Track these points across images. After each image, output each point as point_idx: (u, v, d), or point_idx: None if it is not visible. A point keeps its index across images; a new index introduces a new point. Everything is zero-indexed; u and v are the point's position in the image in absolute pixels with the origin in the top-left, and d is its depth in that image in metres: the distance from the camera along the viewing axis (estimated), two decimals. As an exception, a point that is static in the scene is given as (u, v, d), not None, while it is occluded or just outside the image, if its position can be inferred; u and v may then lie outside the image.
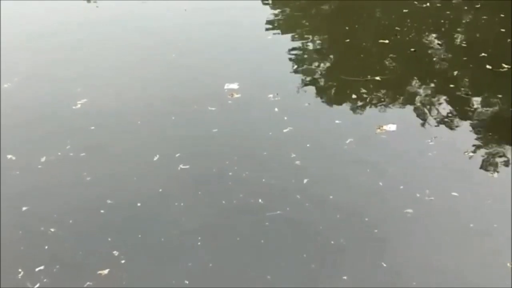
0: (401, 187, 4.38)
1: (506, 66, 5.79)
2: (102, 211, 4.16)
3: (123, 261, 3.73)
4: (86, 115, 5.31)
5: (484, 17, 6.96)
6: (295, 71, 6.03)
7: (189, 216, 4.10)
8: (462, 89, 5.65)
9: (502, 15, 6.87)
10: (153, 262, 3.75)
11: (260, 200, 4.22)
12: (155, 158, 4.69)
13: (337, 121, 5.19)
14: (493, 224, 4.05)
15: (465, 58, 6.11)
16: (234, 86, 5.64)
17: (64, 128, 5.14)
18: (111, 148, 4.88)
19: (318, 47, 6.56)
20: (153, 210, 4.17)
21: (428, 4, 7.29)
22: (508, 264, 3.71)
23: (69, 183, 4.49)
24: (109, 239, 3.92)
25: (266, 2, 7.73)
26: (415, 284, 3.59)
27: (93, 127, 5.12)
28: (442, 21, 6.86)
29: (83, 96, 5.57)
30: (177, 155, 4.71)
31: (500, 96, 5.46)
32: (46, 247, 3.86)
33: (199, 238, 3.91)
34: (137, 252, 3.82)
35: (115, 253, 3.80)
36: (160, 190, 4.33)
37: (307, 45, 6.54)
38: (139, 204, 4.20)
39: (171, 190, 4.35)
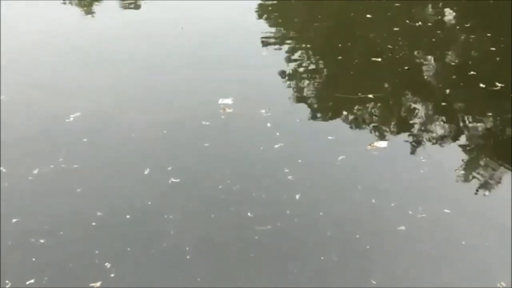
0: (393, 204, 4.38)
1: (499, 84, 5.85)
2: (93, 223, 4.13)
3: (113, 274, 3.69)
4: (79, 128, 5.29)
5: (473, 36, 7.06)
6: (288, 87, 6.05)
7: (178, 229, 4.08)
8: (456, 107, 5.69)
9: (489, 35, 6.97)
10: (144, 275, 3.71)
11: (250, 214, 4.20)
12: (146, 172, 4.66)
13: (329, 137, 5.20)
14: (485, 243, 4.05)
15: (456, 77, 6.16)
16: (228, 101, 5.65)
17: (57, 140, 5.12)
18: (103, 160, 4.86)
19: (311, 64, 6.60)
20: (143, 222, 4.14)
21: (420, 23, 7.38)
22: (499, 285, 3.71)
23: (61, 195, 4.46)
24: (101, 251, 3.88)
25: (262, 19, 7.78)
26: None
27: (85, 139, 5.09)
28: (434, 40, 6.93)
29: (77, 109, 5.55)
30: (168, 168, 4.69)
31: (493, 114, 5.50)
32: (34, 259, 3.81)
33: (188, 250, 3.88)
34: (128, 264, 3.79)
35: (107, 265, 3.76)
36: (149, 203, 4.30)
37: (300, 62, 6.58)
38: (128, 217, 4.17)
39: (161, 203, 4.32)
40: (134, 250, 3.91)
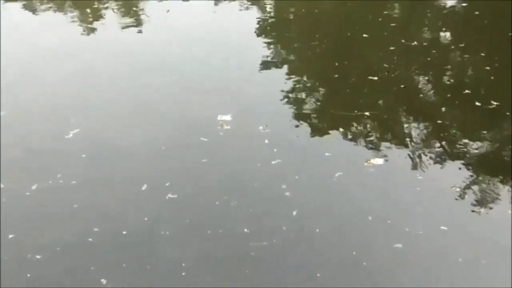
0: (389, 221, 4.40)
1: (494, 102, 5.90)
2: (90, 239, 4.12)
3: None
4: (78, 145, 5.31)
5: (467, 55, 7.15)
6: (286, 105, 6.09)
7: (175, 245, 4.08)
8: (451, 125, 5.74)
9: (482, 54, 7.07)
10: None
11: (246, 230, 4.21)
12: (144, 187, 4.67)
13: (326, 154, 5.23)
14: (482, 260, 4.06)
15: (451, 95, 6.21)
16: (227, 117, 5.69)
17: (56, 157, 5.13)
18: (101, 176, 4.88)
19: (308, 82, 6.65)
20: (139, 238, 4.14)
21: (415, 42, 7.47)
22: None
23: (58, 210, 4.47)
24: (97, 267, 3.87)
25: (261, 38, 7.86)
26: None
27: (84, 155, 5.11)
28: (429, 59, 7.01)
29: (76, 126, 5.58)
30: (166, 184, 4.70)
31: (488, 132, 5.54)
32: (29, 275, 3.80)
33: (184, 266, 3.87)
34: (124, 280, 3.78)
35: (103, 281, 3.75)
36: (146, 218, 4.31)
37: (298, 80, 6.63)
38: (124, 232, 4.17)
39: (158, 218, 4.34)
40: (130, 266, 3.91)
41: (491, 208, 4.59)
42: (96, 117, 5.82)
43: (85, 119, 5.73)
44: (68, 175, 4.85)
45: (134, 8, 9.28)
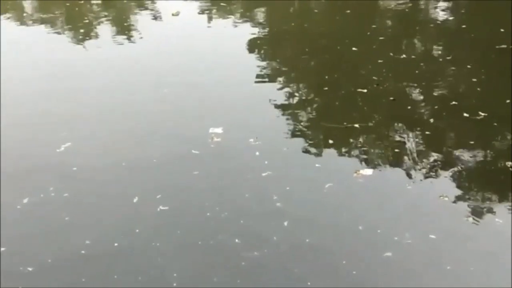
0: (379, 231, 4.44)
1: (482, 113, 6.00)
2: (82, 251, 4.14)
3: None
4: (69, 158, 5.33)
5: (453, 68, 7.27)
6: (277, 117, 6.16)
7: (166, 256, 4.10)
8: (440, 135, 5.82)
9: (469, 67, 7.21)
10: None
11: (237, 241, 4.24)
12: (135, 200, 4.70)
13: (316, 165, 5.29)
14: (470, 267, 4.11)
15: (439, 107, 6.31)
16: (219, 130, 5.75)
17: (48, 170, 5.16)
18: (93, 189, 4.90)
19: (299, 95, 6.74)
20: (130, 250, 4.16)
21: (404, 55, 7.59)
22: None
23: (49, 223, 4.50)
24: (89, 279, 3.88)
25: (252, 52, 7.97)
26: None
27: (75, 168, 5.13)
28: (417, 71, 7.12)
29: (68, 140, 5.61)
30: (157, 196, 4.73)
31: (477, 142, 5.62)
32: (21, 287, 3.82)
33: (176, 276, 3.89)
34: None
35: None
36: (137, 230, 4.33)
37: (288, 93, 6.72)
38: (116, 244, 4.19)
39: (149, 230, 4.36)
40: (121, 278, 3.92)
41: (479, 217, 4.65)
42: (87, 130, 5.85)
43: (76, 133, 5.77)
44: (60, 188, 4.86)
45: (126, 24, 9.39)
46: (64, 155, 5.40)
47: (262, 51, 8.06)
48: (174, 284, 3.86)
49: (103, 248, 4.19)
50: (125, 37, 8.71)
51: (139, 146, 5.54)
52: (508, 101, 6.33)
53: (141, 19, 9.52)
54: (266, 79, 7.10)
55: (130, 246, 4.21)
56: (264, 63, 7.63)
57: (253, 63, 7.54)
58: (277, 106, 6.37)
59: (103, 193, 4.84)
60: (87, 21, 9.45)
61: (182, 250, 4.18)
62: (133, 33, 8.88)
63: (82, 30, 8.95)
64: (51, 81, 7.03)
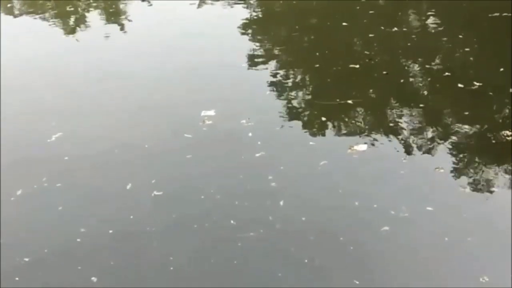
0: (375, 205, 4.41)
1: (477, 83, 5.94)
2: (78, 239, 4.11)
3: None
4: (61, 148, 5.28)
5: (445, 38, 7.20)
6: (269, 97, 6.10)
7: (162, 241, 4.08)
8: (435, 108, 5.77)
9: (460, 36, 7.14)
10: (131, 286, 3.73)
11: (233, 222, 4.22)
12: (128, 186, 4.66)
13: (310, 143, 5.25)
14: (468, 238, 4.10)
15: (432, 79, 6.25)
16: (211, 113, 5.69)
17: (40, 161, 5.10)
18: (86, 177, 4.85)
19: (290, 73, 6.67)
20: (126, 236, 4.14)
21: (395, 29, 7.51)
22: (481, 279, 3.74)
23: (44, 214, 4.46)
24: (85, 266, 3.87)
25: (241, 31, 7.87)
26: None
27: (66, 158, 5.08)
28: (409, 44, 7.04)
29: (59, 130, 5.54)
30: (152, 181, 4.69)
31: (472, 112, 5.57)
32: (18, 278, 3.79)
33: (172, 260, 3.88)
34: (113, 277, 3.79)
35: (94, 279, 3.76)
36: (132, 216, 4.30)
37: (279, 72, 6.65)
38: (111, 231, 4.16)
39: (144, 216, 4.33)
40: (118, 263, 3.91)
41: (476, 187, 4.62)
42: (77, 119, 5.79)
43: (67, 122, 5.70)
44: (53, 178, 4.82)
45: (114, 9, 9.26)
46: (55, 145, 5.34)
47: (252, 31, 7.98)
48: (171, 268, 3.84)
49: (98, 235, 4.16)
50: (115, 22, 8.60)
51: (130, 133, 5.48)
52: (502, 69, 6.27)
53: (130, 3, 9.39)
54: (257, 59, 7.02)
55: (126, 232, 4.18)
56: (254, 44, 7.55)
57: (244, 44, 7.46)
58: (268, 86, 6.31)
59: (96, 182, 4.80)
60: (72, 8, 9.32)
61: (178, 234, 4.16)
62: (123, 17, 8.77)
63: (71, 18, 8.83)
64: (40, 71, 6.94)
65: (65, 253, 4.03)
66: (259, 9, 8.95)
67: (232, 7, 9.01)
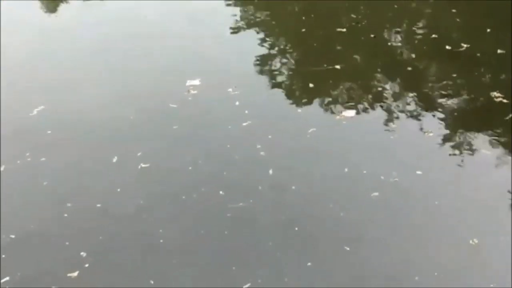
0: (365, 171, 4.39)
1: (464, 45, 5.87)
2: (65, 214, 4.05)
3: (88, 264, 3.66)
4: (43, 121, 5.13)
5: (431, 0, 7.10)
6: (255, 65, 5.98)
7: (150, 213, 4.03)
8: (423, 71, 5.71)
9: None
10: (120, 261, 3.70)
11: (222, 193, 4.17)
12: (114, 159, 4.58)
13: (298, 111, 5.18)
14: (457, 202, 4.09)
15: (420, 41, 6.17)
16: (196, 82, 5.57)
17: (22, 135, 4.94)
18: (70, 152, 4.73)
19: (275, 39, 6.54)
20: (113, 210, 4.08)
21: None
22: (471, 241, 3.75)
23: (30, 189, 4.36)
24: (74, 241, 3.82)
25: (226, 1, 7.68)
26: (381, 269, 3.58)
27: (49, 132, 4.96)
28: (396, 6, 6.93)
29: (40, 103, 5.39)
30: (138, 154, 4.61)
31: (460, 75, 5.52)
32: (4, 256, 3.73)
33: (162, 232, 3.84)
34: (102, 252, 3.75)
35: (83, 254, 3.72)
36: (119, 190, 4.24)
37: (264, 39, 6.51)
38: (99, 205, 4.10)
39: (131, 189, 4.26)
40: (106, 238, 3.85)
41: (466, 150, 4.61)
42: (60, 92, 5.62)
43: (48, 96, 5.54)
44: (37, 153, 4.70)
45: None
46: (37, 119, 5.20)
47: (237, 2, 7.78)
48: (161, 241, 3.80)
49: (85, 210, 4.09)
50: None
51: (114, 105, 5.33)
52: (488, 30, 6.20)
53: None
54: (240, 27, 6.86)
55: (113, 206, 4.11)
56: (237, 11, 7.34)
57: (225, 11, 7.27)
58: (254, 54, 6.17)
59: (81, 156, 4.68)
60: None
61: (166, 206, 4.10)
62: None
63: None
64: (19, 44, 6.71)
65: (53, 229, 3.96)
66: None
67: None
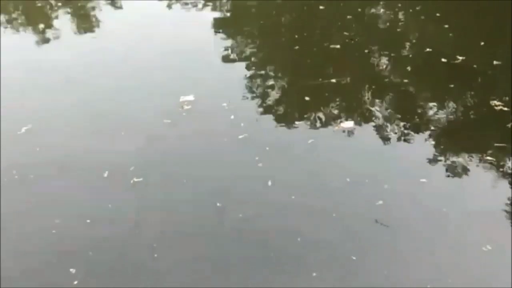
0: (367, 180, 4.24)
1: (460, 57, 5.83)
2: (53, 231, 3.82)
3: (76, 281, 3.44)
4: (31, 139, 4.92)
5: (423, 17, 7.14)
6: (250, 80, 5.85)
7: (143, 227, 3.83)
8: (418, 82, 5.64)
9: (438, 15, 7.06)
10: (112, 274, 3.52)
11: (218, 204, 3.98)
12: (106, 174, 4.37)
13: (296, 123, 5.04)
14: (464, 209, 3.94)
15: (414, 55, 6.14)
16: (190, 98, 5.43)
17: (10, 152, 4.73)
18: (60, 167, 4.51)
19: (269, 56, 6.47)
20: (105, 225, 3.87)
21: (373, 10, 7.39)
22: (484, 248, 3.59)
23: (17, 206, 4.12)
24: (63, 258, 3.62)
25: (218, 17, 7.61)
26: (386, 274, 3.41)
27: (38, 149, 4.76)
28: (388, 24, 6.94)
29: (28, 122, 5.19)
30: (130, 168, 4.41)
31: (458, 85, 5.46)
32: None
33: (156, 247, 3.65)
34: (94, 274, 3.53)
35: (72, 270, 3.50)
36: (110, 205, 4.03)
37: (258, 56, 6.44)
38: (88, 221, 3.88)
39: (123, 204, 4.05)
40: (98, 253, 3.64)
41: (470, 157, 4.49)
42: (51, 110, 5.42)
43: (39, 113, 5.33)
44: (24, 170, 4.48)
45: (88, 14, 8.83)
46: (25, 136, 4.98)
47: (227, 17, 7.74)
48: (155, 255, 3.58)
49: (74, 225, 3.87)
50: (89, 26, 8.15)
51: (107, 122, 5.14)
52: (482, 43, 6.19)
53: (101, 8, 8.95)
54: (234, 44, 6.77)
55: (104, 221, 3.89)
56: (230, 29, 7.26)
57: (219, 29, 7.20)
58: (249, 69, 6.08)
59: (71, 171, 4.47)
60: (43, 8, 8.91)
61: (160, 220, 3.89)
62: (96, 22, 8.33)
63: (41, 21, 8.37)
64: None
65: (40, 246, 3.73)
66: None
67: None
